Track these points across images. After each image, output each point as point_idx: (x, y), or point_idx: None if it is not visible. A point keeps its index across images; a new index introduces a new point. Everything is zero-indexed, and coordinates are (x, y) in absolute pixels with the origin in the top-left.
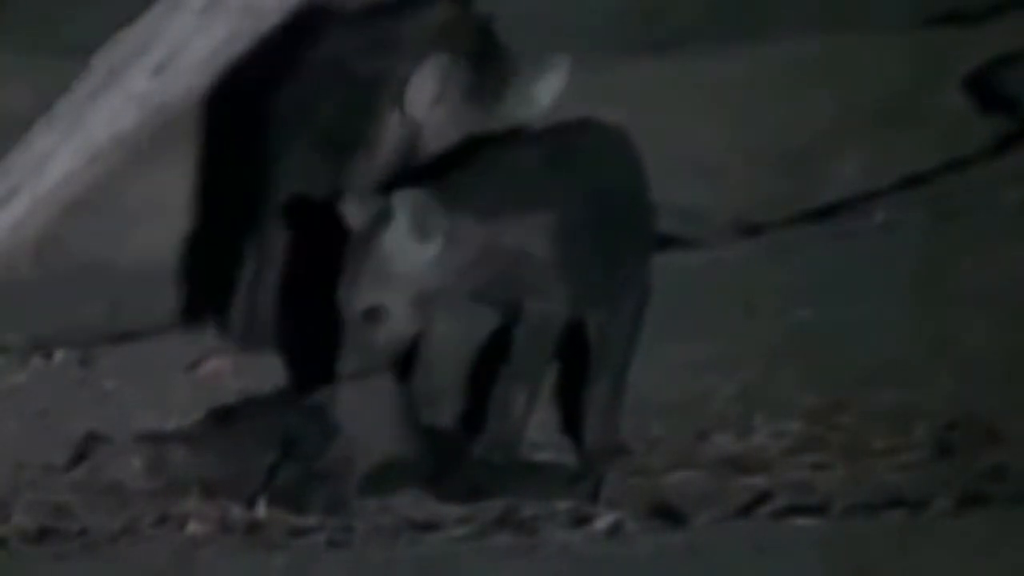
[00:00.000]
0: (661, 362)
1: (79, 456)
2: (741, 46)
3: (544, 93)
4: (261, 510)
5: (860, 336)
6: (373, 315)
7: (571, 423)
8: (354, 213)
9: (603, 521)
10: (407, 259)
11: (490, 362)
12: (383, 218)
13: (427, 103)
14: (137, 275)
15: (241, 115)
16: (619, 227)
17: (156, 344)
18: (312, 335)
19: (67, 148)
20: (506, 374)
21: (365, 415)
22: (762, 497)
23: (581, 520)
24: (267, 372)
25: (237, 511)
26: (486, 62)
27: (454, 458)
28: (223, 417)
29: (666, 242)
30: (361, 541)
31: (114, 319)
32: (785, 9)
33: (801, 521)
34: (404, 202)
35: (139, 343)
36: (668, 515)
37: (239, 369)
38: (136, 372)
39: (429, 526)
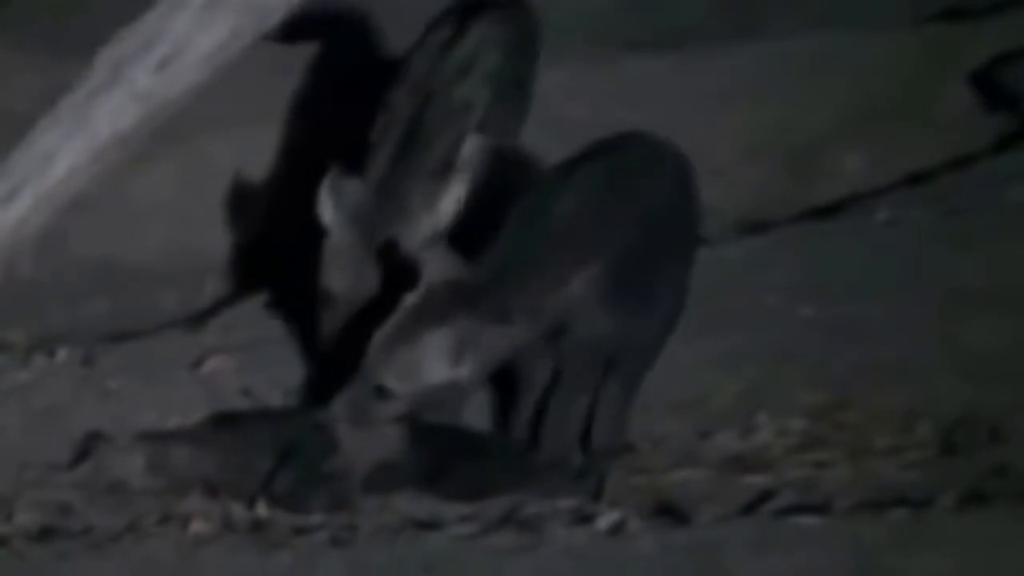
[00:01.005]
0: (665, 360)
1: (81, 455)
2: (744, 44)
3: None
4: (264, 509)
5: (863, 334)
6: (382, 393)
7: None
8: (432, 269)
9: (606, 519)
10: (434, 371)
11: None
12: (436, 316)
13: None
14: (140, 273)
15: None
16: (662, 243)
17: (158, 342)
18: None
19: (70, 146)
20: (561, 394)
21: (365, 432)
22: (765, 495)
23: (584, 518)
24: (270, 371)
25: (240, 510)
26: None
27: (453, 458)
28: (226, 420)
29: None
30: (364, 540)
31: (117, 317)
32: (788, 7)
33: (804, 519)
34: (447, 333)
35: (142, 341)
36: (671, 513)
37: (241, 367)
38: (139, 370)
39: (431, 525)
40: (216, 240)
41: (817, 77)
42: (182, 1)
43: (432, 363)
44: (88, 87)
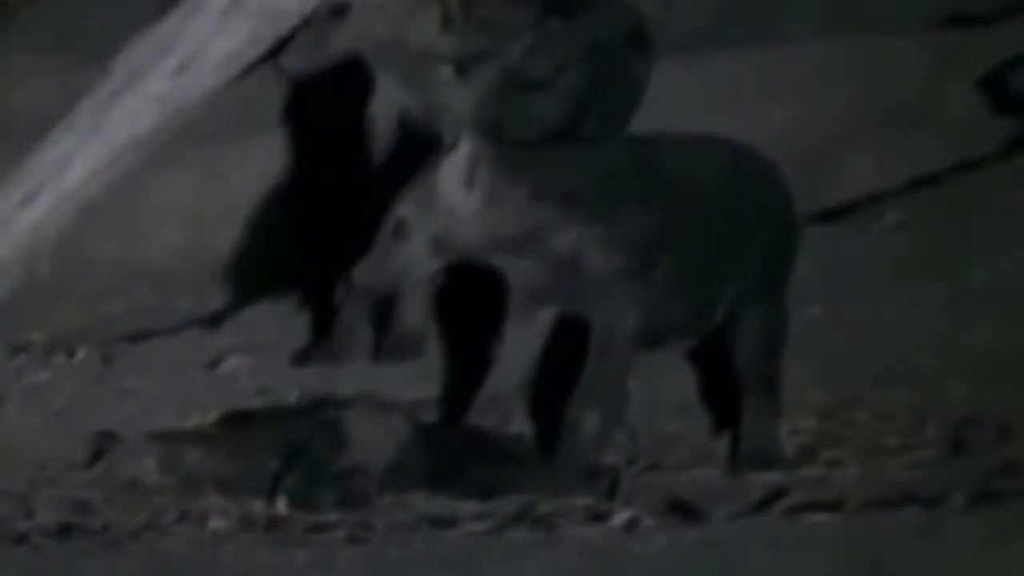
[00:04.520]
0: (676, 359)
1: (95, 454)
2: (753, 47)
3: None
4: (282, 506)
5: (872, 335)
6: (399, 229)
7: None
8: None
9: (620, 517)
10: (449, 197)
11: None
12: (451, 147)
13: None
14: (157, 274)
15: None
16: (732, 248)
17: (175, 343)
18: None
19: (87, 149)
20: (576, 395)
21: (374, 428)
22: (777, 493)
23: (598, 516)
24: (286, 371)
25: (258, 507)
26: None
27: (465, 458)
28: (237, 420)
29: None
30: (380, 537)
31: (134, 318)
32: (797, 11)
33: (816, 517)
34: (467, 143)
35: (159, 342)
36: (684, 511)
37: (257, 367)
38: (156, 370)
39: (447, 522)
40: (232, 242)
41: (826, 81)
42: (200, 6)
43: (448, 185)
44: (105, 91)
